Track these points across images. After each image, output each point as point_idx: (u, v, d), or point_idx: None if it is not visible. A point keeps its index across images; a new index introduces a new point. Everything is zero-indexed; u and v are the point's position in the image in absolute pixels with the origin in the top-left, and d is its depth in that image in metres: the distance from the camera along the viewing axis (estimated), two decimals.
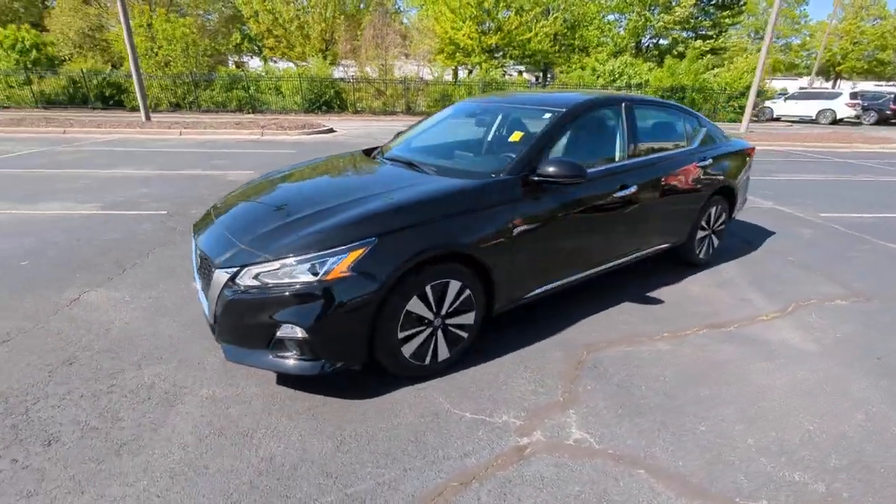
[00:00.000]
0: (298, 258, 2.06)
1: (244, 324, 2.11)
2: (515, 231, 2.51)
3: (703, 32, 28.59)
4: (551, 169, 2.53)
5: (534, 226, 2.60)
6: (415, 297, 2.23)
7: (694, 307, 3.29)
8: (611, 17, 28.79)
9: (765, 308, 3.29)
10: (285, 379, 2.37)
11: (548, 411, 2.21)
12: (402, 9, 32.07)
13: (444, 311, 2.37)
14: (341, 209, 2.30)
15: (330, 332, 2.07)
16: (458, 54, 25.24)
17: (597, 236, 3.07)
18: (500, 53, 25.66)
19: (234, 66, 28.55)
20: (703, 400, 2.31)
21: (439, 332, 2.40)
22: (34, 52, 22.51)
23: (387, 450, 1.96)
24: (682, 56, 24.62)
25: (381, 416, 2.16)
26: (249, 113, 20.91)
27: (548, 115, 2.95)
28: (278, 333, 2.06)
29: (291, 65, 25.19)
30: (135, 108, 18.38)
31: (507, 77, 25.65)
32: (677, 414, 2.21)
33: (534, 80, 31.04)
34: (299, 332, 2.04)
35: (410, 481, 1.81)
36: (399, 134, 3.79)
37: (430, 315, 2.32)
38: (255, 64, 30.57)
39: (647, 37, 29.58)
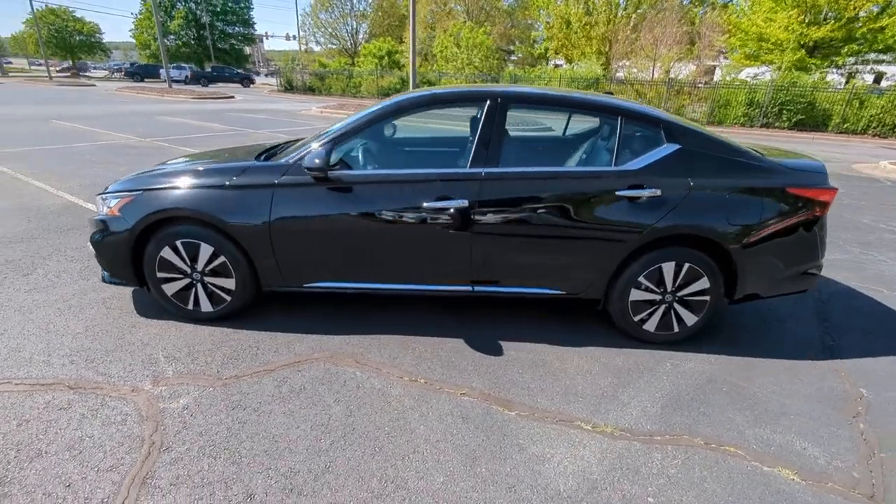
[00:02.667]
0: (103, 196, 2.86)
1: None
2: (273, 216, 2.62)
3: None
4: (304, 161, 2.50)
5: (292, 215, 2.62)
6: (167, 248, 2.71)
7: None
8: None
9: None
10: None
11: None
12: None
13: (199, 268, 2.75)
14: (147, 172, 2.94)
15: (104, 252, 2.82)
16: (763, 52, 20.46)
17: (411, 248, 2.67)
18: (827, 50, 19.43)
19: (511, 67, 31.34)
20: None
21: (199, 286, 2.81)
22: (386, 58, 30.47)
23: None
24: None
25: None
26: None
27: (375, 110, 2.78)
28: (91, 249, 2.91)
29: (567, 64, 25.84)
30: None
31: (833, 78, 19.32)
32: None
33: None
34: (92, 249, 2.87)
35: None
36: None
37: (186, 268, 2.76)
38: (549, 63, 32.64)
39: None
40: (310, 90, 29.60)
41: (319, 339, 2.74)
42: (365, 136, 2.89)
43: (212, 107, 18.70)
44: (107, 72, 49.63)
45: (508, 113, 2.64)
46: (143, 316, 2.90)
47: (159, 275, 2.76)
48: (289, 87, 30.95)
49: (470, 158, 2.60)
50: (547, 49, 29.35)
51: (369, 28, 41.71)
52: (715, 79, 21.11)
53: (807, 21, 19.49)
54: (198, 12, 45.65)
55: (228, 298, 2.82)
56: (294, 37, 50.55)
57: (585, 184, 2.58)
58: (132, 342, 2.62)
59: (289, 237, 2.65)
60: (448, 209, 2.54)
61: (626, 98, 3.43)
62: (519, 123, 2.77)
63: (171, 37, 45.16)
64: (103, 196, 2.83)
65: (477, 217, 2.56)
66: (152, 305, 2.96)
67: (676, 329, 2.77)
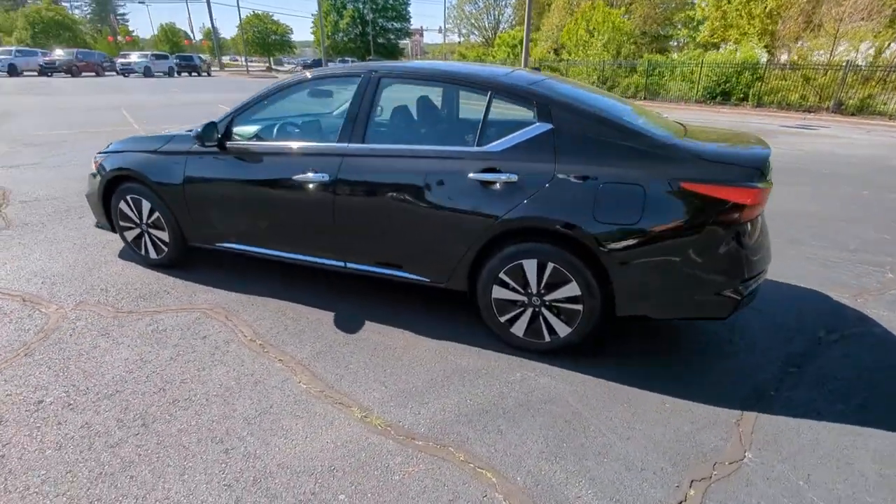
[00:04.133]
0: (96, 154, 3.53)
1: None
2: (184, 179, 2.97)
3: None
4: (192, 131, 2.78)
5: (199, 177, 2.93)
6: (122, 201, 3.25)
7: None
8: None
9: None
10: None
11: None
12: None
13: (144, 220, 3.25)
14: (132, 137, 3.49)
15: (90, 201, 3.49)
16: None
17: (291, 219, 2.78)
18: None
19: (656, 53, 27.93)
20: None
21: (146, 235, 3.31)
22: (519, 46, 29.96)
23: None
24: None
25: None
26: (642, 100, 20.71)
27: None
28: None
29: (721, 48, 22.28)
30: None
31: None
32: None
33: None
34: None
35: None
36: None
37: (136, 219, 3.28)
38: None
39: None
40: None
41: (218, 294, 3.04)
42: (273, 110, 3.05)
43: None
44: (293, 65, 58.55)
45: (386, 89, 2.56)
46: (120, 258, 3.55)
47: (120, 223, 3.36)
48: None
49: (338, 134, 2.60)
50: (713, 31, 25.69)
51: (514, 15, 41.42)
52: None
53: None
54: (363, 10, 50.56)
55: (165, 249, 3.29)
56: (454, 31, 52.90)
57: (441, 164, 2.37)
58: (94, 275, 3.25)
59: (197, 198, 2.99)
60: (310, 183, 2.59)
61: (551, 75, 2.89)
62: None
63: (341, 34, 50.97)
64: (95, 155, 3.52)
65: (338, 193, 2.56)
66: (128, 250, 3.60)
67: (547, 338, 2.40)
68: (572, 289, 2.24)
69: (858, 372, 2.38)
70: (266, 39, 57.72)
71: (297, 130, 3.12)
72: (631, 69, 21.92)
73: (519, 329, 2.44)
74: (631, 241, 2.08)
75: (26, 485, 1.66)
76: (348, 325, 2.72)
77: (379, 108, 2.61)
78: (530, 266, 2.28)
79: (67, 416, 1.98)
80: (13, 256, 3.51)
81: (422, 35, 78.19)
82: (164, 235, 3.23)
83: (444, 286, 2.58)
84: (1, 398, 2.08)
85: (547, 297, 2.31)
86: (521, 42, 28.83)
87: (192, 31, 62.27)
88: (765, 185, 2.01)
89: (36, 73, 29.10)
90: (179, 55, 38.07)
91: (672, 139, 2.18)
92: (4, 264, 3.38)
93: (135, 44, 62.63)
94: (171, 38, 72.97)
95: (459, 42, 45.57)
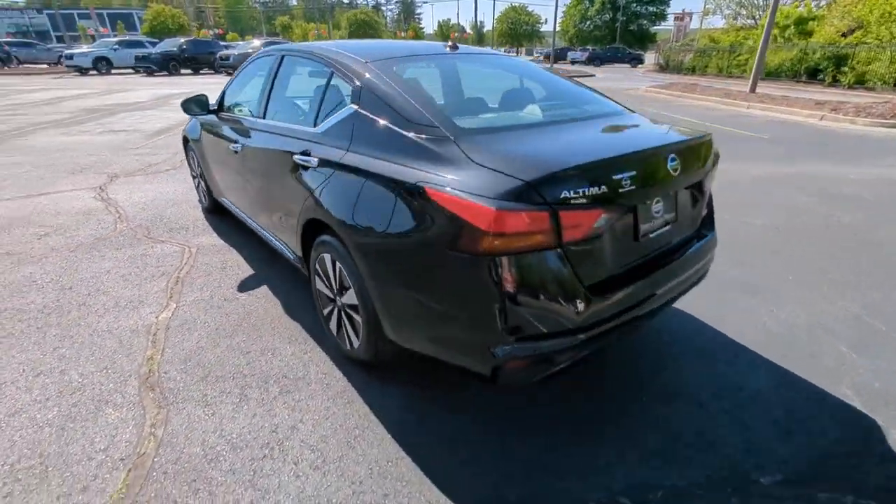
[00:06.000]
0: None
1: None
2: (200, 137, 3.67)
3: None
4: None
5: (205, 137, 3.57)
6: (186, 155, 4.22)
7: None
8: None
9: None
10: None
11: None
12: None
13: (194, 172, 4.14)
14: None
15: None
16: None
17: (232, 178, 3.16)
18: None
19: None
20: None
21: (199, 183, 4.21)
22: (792, 27, 23.61)
23: None
24: None
25: None
26: None
27: None
28: None
29: None
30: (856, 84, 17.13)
31: None
32: None
33: None
34: None
35: None
36: None
37: (193, 171, 4.20)
38: None
39: None
40: (688, 70, 26.72)
41: (213, 238, 3.70)
42: (250, 86, 3.39)
43: None
44: (537, 55, 60.18)
45: (285, 66, 2.66)
46: (200, 203, 4.63)
47: (191, 173, 4.38)
48: (664, 67, 28.99)
49: (260, 110, 2.81)
50: None
51: None
52: None
53: None
54: None
55: (205, 199, 4.15)
56: (717, 13, 45.35)
57: (285, 142, 2.35)
58: (169, 210, 4.36)
59: (204, 155, 3.67)
60: (234, 151, 2.91)
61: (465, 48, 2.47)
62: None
63: (588, 22, 49.39)
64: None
65: (245, 160, 2.82)
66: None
67: (347, 346, 2.17)
68: (351, 295, 1.98)
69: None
70: (517, 30, 60.42)
71: (247, 104, 3.43)
72: None
73: (333, 327, 2.28)
74: (378, 251, 1.72)
75: None
76: (246, 283, 2.99)
77: (281, 86, 2.71)
78: (328, 261, 2.10)
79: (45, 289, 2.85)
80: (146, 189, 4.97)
81: (688, 18, 69.11)
82: (204, 186, 4.07)
83: (300, 266, 2.57)
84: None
85: (342, 300, 2.10)
86: (798, 22, 22.90)
87: (466, 26, 69.76)
88: (530, 209, 1.36)
89: None
90: None
91: (470, 134, 1.66)
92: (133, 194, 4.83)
93: (418, 38, 74.30)
94: (444, 33, 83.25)
95: (723, 26, 38.46)
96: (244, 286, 2.95)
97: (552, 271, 1.43)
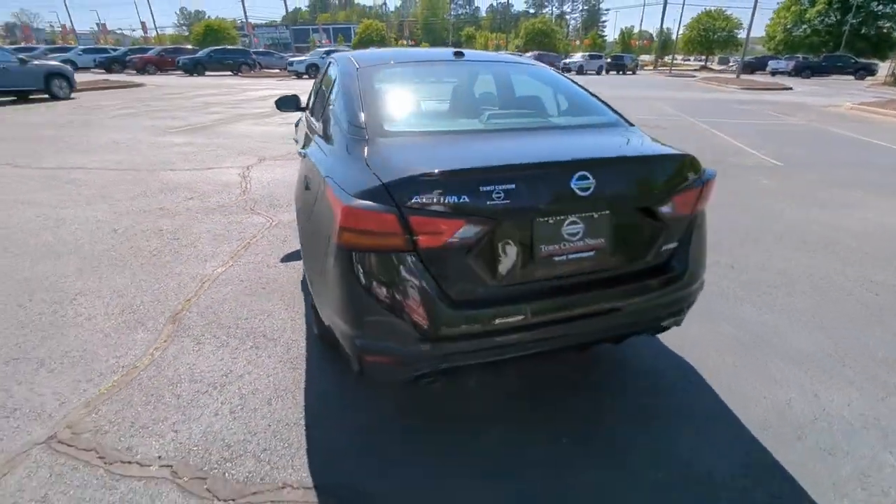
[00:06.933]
0: None
1: None
2: None
3: None
4: None
5: None
6: None
7: None
8: None
9: None
10: None
11: None
12: None
13: None
14: None
15: None
16: None
17: None
18: None
19: None
20: None
21: None
22: None
23: None
24: None
25: None
26: None
27: None
28: None
29: None
30: None
31: None
32: None
33: None
34: None
35: None
36: None
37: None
38: None
39: None
40: None
41: (292, 216, 4.34)
42: None
43: (755, 97, 17.73)
44: (730, 65, 52.91)
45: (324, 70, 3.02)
46: None
47: None
48: None
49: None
50: None
51: None
52: None
53: None
54: None
55: None
56: None
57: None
58: (273, 187, 5.21)
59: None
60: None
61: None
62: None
63: (804, 26, 41.50)
64: None
65: None
66: None
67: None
68: None
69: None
70: (710, 37, 53.97)
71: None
72: None
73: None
74: (305, 233, 2.01)
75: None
76: (292, 255, 3.45)
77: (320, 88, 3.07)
78: None
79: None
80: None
81: None
82: None
83: None
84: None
85: None
86: None
87: (654, 33, 65.26)
88: (378, 209, 1.38)
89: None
90: (614, 55, 41.54)
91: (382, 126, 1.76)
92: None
93: (595, 45, 71.84)
94: (625, 41, 78.84)
95: None
96: (288, 257, 3.43)
97: (403, 275, 1.42)
